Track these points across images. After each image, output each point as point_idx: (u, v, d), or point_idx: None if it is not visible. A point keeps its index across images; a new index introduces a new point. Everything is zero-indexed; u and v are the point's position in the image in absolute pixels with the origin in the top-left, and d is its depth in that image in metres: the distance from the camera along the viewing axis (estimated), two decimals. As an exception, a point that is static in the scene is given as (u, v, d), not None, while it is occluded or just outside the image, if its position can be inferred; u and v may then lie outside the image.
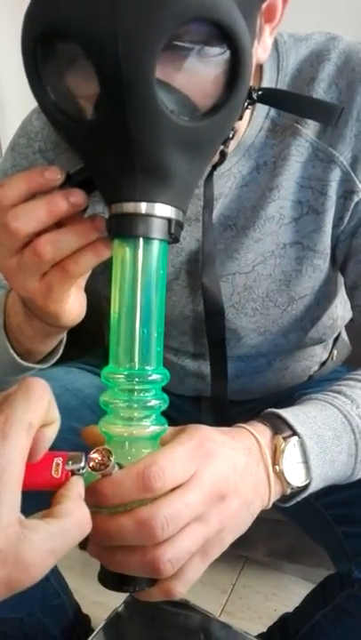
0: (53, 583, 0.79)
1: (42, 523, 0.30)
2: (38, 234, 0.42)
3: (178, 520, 0.36)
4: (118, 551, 0.38)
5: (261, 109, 0.56)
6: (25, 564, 0.29)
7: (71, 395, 0.69)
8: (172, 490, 0.37)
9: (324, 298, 0.65)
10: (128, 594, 0.72)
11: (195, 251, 0.62)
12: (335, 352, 0.82)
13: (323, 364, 0.80)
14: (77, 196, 0.42)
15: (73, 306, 0.47)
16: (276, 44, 0.56)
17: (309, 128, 0.56)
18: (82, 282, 0.47)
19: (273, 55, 0.56)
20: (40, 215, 0.41)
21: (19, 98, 0.68)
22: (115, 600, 0.71)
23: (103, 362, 0.42)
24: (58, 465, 0.34)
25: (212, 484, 0.38)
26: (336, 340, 0.81)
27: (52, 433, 0.34)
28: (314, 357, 0.77)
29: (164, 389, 0.41)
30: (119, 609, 0.71)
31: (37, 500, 0.32)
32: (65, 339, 0.60)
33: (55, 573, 0.80)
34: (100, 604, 0.96)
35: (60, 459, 0.35)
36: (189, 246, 0.62)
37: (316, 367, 0.79)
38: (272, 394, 0.77)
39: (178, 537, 0.36)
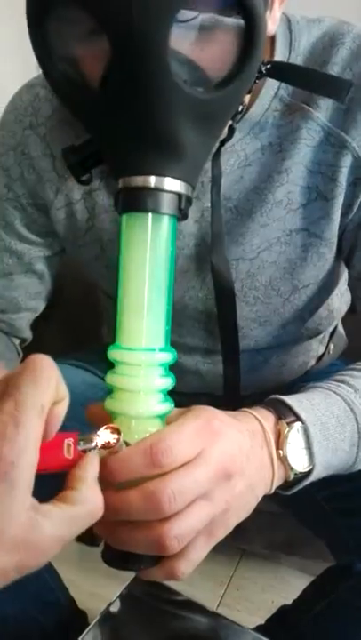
0: (48, 580, 0.79)
1: (54, 509, 0.30)
2: None
3: (185, 495, 0.36)
4: (124, 527, 0.37)
5: (270, 88, 0.55)
6: (35, 551, 0.29)
7: None
8: (180, 467, 0.36)
9: (325, 288, 0.64)
10: (123, 587, 0.72)
11: (194, 233, 0.60)
12: (332, 346, 0.81)
13: (319, 358, 0.80)
14: None
15: None
16: (288, 24, 0.55)
17: (321, 111, 0.54)
18: None
19: (286, 34, 0.55)
20: None
21: (12, 84, 0.66)
22: (111, 592, 0.71)
23: (99, 358, 0.41)
24: (69, 446, 0.34)
25: (219, 462, 0.38)
26: (333, 333, 0.80)
27: (62, 410, 0.33)
28: (310, 352, 0.76)
29: None
30: (113, 604, 0.71)
31: (51, 486, 0.32)
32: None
33: (50, 570, 0.80)
34: (96, 595, 0.96)
35: (71, 439, 0.34)
36: (188, 228, 0.60)
37: (312, 362, 0.79)
38: (269, 390, 0.76)
39: (184, 513, 0.36)
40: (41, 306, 0.74)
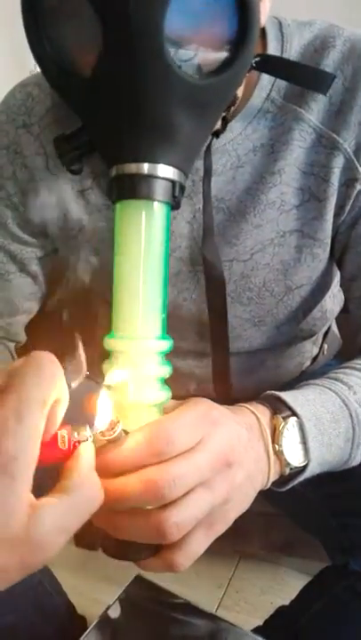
0: (47, 586, 0.78)
1: (51, 501, 0.30)
2: None
3: (185, 481, 0.35)
4: (123, 515, 0.37)
5: (263, 90, 0.55)
6: (37, 546, 0.28)
7: None
8: (180, 454, 0.36)
9: (318, 289, 0.65)
10: (122, 591, 0.72)
11: (186, 235, 0.60)
12: (326, 346, 0.81)
13: (314, 359, 0.80)
14: None
15: None
16: (280, 27, 0.56)
17: (313, 114, 0.55)
18: None
19: (278, 37, 0.55)
20: None
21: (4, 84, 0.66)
22: (110, 597, 0.71)
23: (96, 367, 0.41)
24: (64, 437, 0.34)
25: (219, 450, 0.38)
26: (326, 334, 0.81)
27: (62, 410, 0.33)
28: (305, 353, 0.77)
29: None
30: (111, 608, 0.71)
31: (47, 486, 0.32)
32: None
33: (48, 576, 0.79)
34: (95, 600, 0.95)
35: (65, 431, 0.34)
36: (179, 230, 0.60)
37: (307, 363, 0.79)
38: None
39: (184, 501, 0.36)
40: (35, 308, 0.74)
